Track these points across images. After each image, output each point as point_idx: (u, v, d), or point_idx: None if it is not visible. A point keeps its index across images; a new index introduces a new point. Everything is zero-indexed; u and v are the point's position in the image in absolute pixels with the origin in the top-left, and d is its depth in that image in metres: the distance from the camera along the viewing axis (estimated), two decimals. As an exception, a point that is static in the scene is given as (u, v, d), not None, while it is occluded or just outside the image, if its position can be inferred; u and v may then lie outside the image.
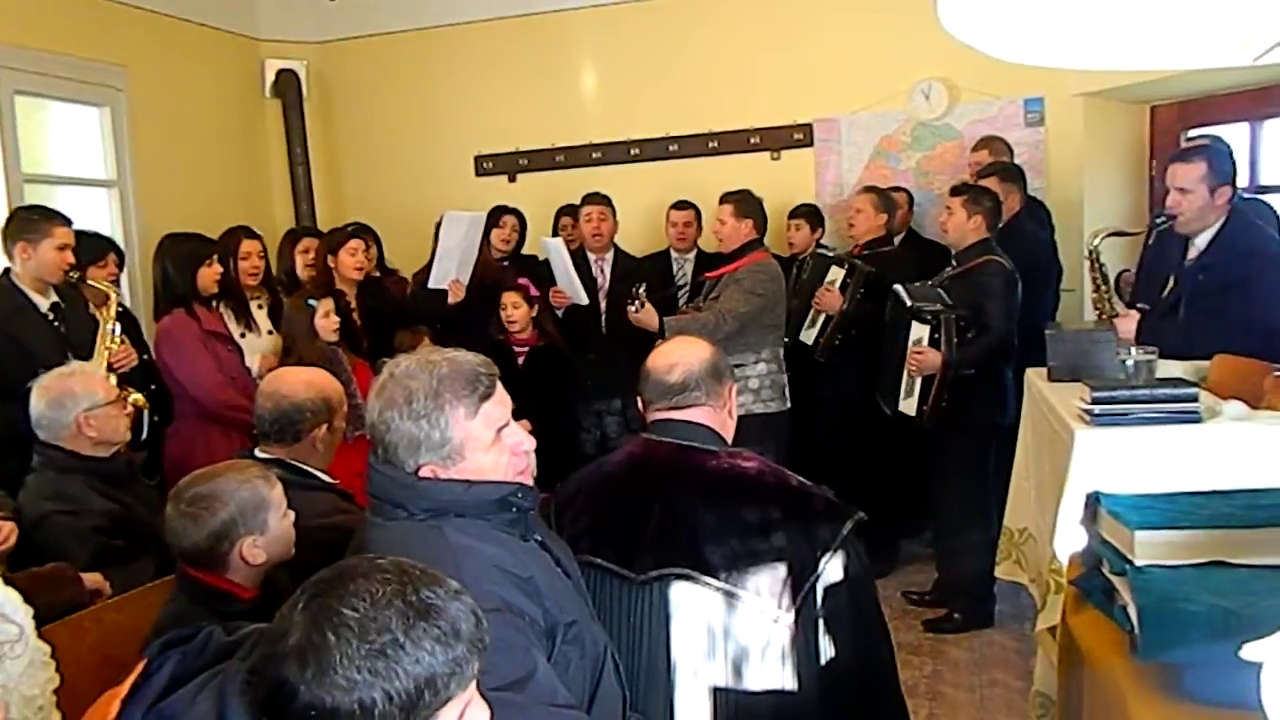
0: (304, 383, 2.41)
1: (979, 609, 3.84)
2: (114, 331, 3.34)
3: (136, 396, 3.37)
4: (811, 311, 4.36)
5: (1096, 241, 3.34)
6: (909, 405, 3.82)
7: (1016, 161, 4.62)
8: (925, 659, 3.64)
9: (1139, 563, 1.44)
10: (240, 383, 3.54)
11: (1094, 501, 1.65)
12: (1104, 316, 3.23)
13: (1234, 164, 3.07)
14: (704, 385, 1.89)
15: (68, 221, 3.32)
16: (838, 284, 4.28)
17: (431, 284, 4.31)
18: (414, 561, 1.09)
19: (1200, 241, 3.04)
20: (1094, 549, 1.64)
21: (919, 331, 3.76)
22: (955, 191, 3.86)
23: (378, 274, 4.43)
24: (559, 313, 4.54)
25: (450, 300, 4.29)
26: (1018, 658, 3.57)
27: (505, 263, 4.75)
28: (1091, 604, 1.59)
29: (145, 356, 3.59)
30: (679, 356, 1.92)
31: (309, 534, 2.01)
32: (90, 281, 3.43)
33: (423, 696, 0.99)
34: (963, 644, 3.74)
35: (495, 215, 4.69)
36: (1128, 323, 3.07)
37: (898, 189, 4.87)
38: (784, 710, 1.72)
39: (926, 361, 3.69)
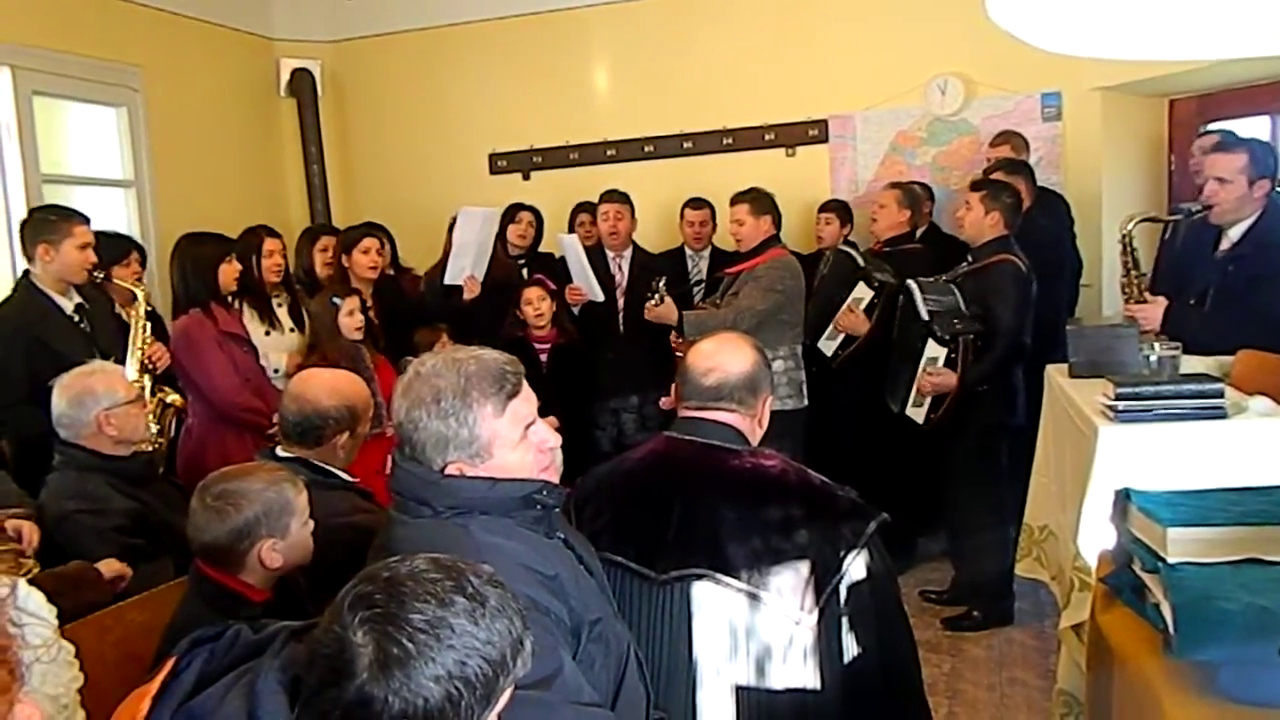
0: (330, 388, 2.39)
1: (998, 607, 3.81)
2: (146, 330, 3.32)
3: (175, 397, 3.37)
4: (832, 325, 4.28)
5: (1131, 226, 3.28)
6: (917, 414, 3.79)
7: (1034, 156, 4.59)
8: (944, 657, 3.62)
9: (1172, 560, 1.43)
10: (255, 384, 3.52)
11: (1124, 499, 1.63)
12: (1131, 301, 3.16)
13: (1276, 158, 2.99)
14: (737, 395, 1.87)
15: (86, 220, 3.29)
16: (863, 305, 4.17)
17: (447, 280, 4.29)
18: (440, 554, 1.11)
19: (1234, 234, 2.99)
20: (1124, 546, 1.62)
21: (935, 351, 3.69)
22: (975, 186, 3.81)
23: (392, 272, 4.43)
24: (575, 310, 4.53)
25: (465, 296, 4.27)
26: (1038, 655, 3.55)
27: (522, 260, 4.75)
28: (1122, 602, 1.58)
29: None
30: (718, 361, 1.89)
31: (329, 532, 2.01)
32: (116, 281, 3.43)
33: (498, 678, 1.05)
34: (982, 642, 3.72)
35: (511, 212, 4.71)
36: (1154, 309, 3.01)
37: (919, 184, 4.82)
38: (806, 709, 1.71)
39: (942, 384, 3.66)
